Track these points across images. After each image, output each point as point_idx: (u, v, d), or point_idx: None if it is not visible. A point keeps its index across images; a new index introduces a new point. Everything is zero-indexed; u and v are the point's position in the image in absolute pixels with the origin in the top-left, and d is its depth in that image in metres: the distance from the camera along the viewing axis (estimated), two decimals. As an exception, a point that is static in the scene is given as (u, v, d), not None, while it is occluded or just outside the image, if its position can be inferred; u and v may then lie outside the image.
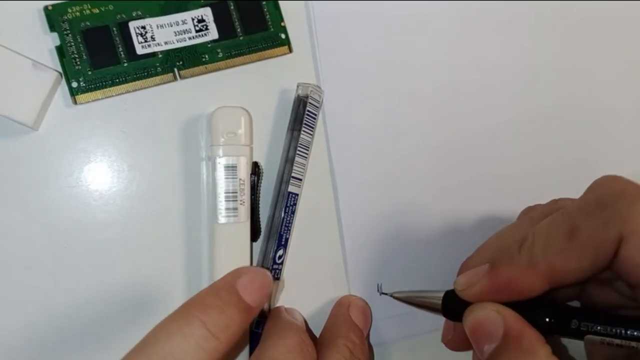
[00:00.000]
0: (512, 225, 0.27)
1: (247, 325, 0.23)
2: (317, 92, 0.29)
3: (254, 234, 0.28)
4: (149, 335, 0.21)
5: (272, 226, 0.28)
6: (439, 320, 0.31)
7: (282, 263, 0.29)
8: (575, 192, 0.28)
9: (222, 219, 0.27)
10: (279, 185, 0.29)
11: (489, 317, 0.23)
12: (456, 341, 0.27)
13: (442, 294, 0.25)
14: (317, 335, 0.29)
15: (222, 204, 0.27)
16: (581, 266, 0.22)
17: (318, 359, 0.25)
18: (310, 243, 0.30)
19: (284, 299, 0.30)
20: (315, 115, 0.29)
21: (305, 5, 0.30)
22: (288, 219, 0.28)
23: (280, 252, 0.28)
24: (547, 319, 0.23)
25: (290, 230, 0.29)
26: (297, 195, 0.29)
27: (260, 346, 0.25)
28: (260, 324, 0.28)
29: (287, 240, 0.29)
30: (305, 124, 0.28)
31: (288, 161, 0.28)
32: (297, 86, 0.29)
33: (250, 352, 0.28)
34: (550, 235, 0.23)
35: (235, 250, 0.27)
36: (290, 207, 0.28)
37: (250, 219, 0.28)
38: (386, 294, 0.29)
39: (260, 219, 0.29)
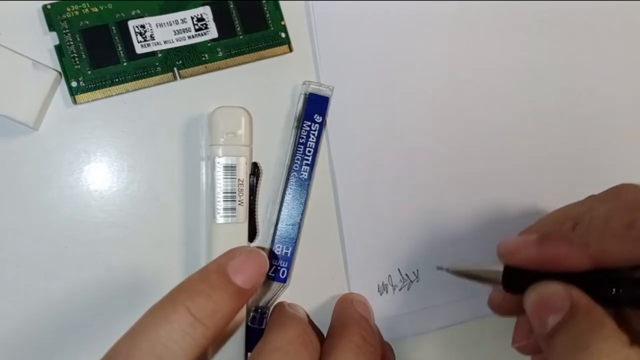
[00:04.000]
0: (580, 202, 0.27)
1: (240, 307, 0.23)
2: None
3: (252, 235, 0.28)
4: (138, 322, 0.21)
5: (300, 226, 0.29)
6: (439, 321, 0.31)
7: None
8: (576, 190, 0.28)
9: (220, 219, 0.27)
10: (306, 185, 0.29)
11: (556, 290, 0.23)
12: (504, 305, 0.27)
13: (500, 268, 0.25)
14: (321, 329, 0.30)
15: (220, 204, 0.27)
16: (634, 256, 0.22)
17: (330, 349, 0.25)
18: (311, 243, 0.30)
19: (284, 299, 0.30)
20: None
21: (306, 5, 0.29)
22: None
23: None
24: (614, 290, 0.23)
25: None
26: None
27: (262, 338, 0.25)
28: (255, 319, 0.28)
29: None
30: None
31: (312, 162, 0.29)
32: (320, 85, 0.29)
33: (246, 347, 0.28)
34: (609, 221, 0.23)
35: (233, 251, 0.27)
36: None
37: (248, 220, 0.28)
38: (442, 268, 0.28)
39: (259, 220, 0.29)
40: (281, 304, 0.29)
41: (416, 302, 0.31)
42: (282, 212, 0.28)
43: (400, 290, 0.31)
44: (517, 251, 0.24)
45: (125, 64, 0.27)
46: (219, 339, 0.27)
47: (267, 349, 0.24)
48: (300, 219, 0.29)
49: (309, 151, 0.29)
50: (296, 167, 0.28)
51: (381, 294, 0.31)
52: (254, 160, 0.28)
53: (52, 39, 0.27)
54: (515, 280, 0.25)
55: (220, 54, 0.28)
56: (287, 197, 0.28)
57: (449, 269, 0.27)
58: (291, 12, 0.29)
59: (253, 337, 0.28)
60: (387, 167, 0.31)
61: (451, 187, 0.31)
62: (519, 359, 0.33)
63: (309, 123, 0.29)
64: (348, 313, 0.28)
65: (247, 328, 0.28)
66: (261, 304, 0.29)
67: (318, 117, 0.29)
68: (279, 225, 0.28)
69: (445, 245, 0.31)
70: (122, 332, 0.27)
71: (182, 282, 0.22)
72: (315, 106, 0.29)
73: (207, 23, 0.28)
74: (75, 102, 0.27)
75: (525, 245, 0.24)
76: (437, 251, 0.31)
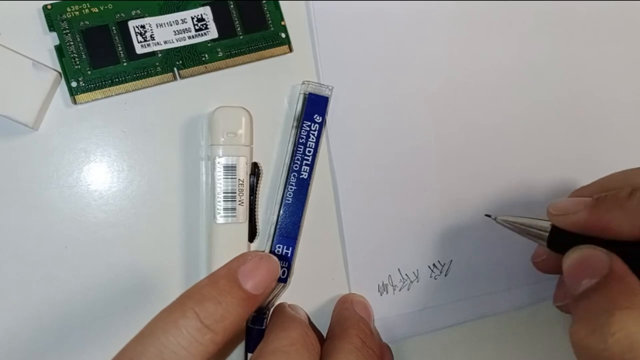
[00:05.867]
0: None
1: (250, 313, 0.23)
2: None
3: (252, 235, 0.28)
4: (147, 327, 0.21)
5: (300, 226, 0.29)
6: (439, 321, 0.31)
7: None
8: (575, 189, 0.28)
9: (220, 219, 0.27)
10: (306, 185, 0.29)
11: (597, 254, 0.23)
12: (546, 263, 0.27)
13: (548, 224, 0.25)
14: (321, 331, 0.30)
15: (220, 204, 0.27)
16: None
17: (329, 351, 0.25)
18: (311, 243, 0.30)
19: (284, 299, 0.30)
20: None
21: (306, 5, 0.30)
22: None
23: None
24: None
25: None
26: None
27: (263, 339, 0.25)
28: (257, 320, 0.28)
29: None
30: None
31: (312, 162, 0.29)
32: (320, 85, 0.29)
33: (246, 348, 0.28)
34: None
35: (233, 251, 0.27)
36: None
37: (248, 220, 0.28)
38: (489, 216, 0.28)
39: (259, 220, 0.29)
40: (282, 304, 0.29)
41: (416, 302, 0.31)
42: (282, 212, 0.28)
43: (400, 290, 0.31)
44: (568, 213, 0.24)
45: (125, 64, 0.27)
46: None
47: (268, 350, 0.24)
48: (300, 219, 0.29)
49: (309, 151, 0.29)
50: (296, 167, 0.28)
51: (381, 294, 0.31)
52: (254, 160, 0.28)
53: (52, 39, 0.27)
54: (561, 240, 0.24)
55: (220, 54, 0.28)
56: (287, 197, 0.28)
57: (498, 219, 0.27)
58: (291, 12, 0.29)
59: (253, 338, 0.28)
60: (387, 166, 0.31)
61: (451, 186, 0.31)
62: (518, 359, 0.33)
63: (309, 123, 0.29)
64: (348, 314, 0.28)
65: (247, 328, 0.28)
66: (261, 304, 0.29)
67: (318, 117, 0.29)
68: (279, 225, 0.28)
69: (445, 245, 0.31)
70: (121, 332, 0.27)
71: (192, 286, 0.22)
72: (315, 106, 0.29)
73: (207, 23, 0.28)
74: (75, 102, 0.27)
75: (578, 208, 0.24)
76: (438, 251, 0.31)
